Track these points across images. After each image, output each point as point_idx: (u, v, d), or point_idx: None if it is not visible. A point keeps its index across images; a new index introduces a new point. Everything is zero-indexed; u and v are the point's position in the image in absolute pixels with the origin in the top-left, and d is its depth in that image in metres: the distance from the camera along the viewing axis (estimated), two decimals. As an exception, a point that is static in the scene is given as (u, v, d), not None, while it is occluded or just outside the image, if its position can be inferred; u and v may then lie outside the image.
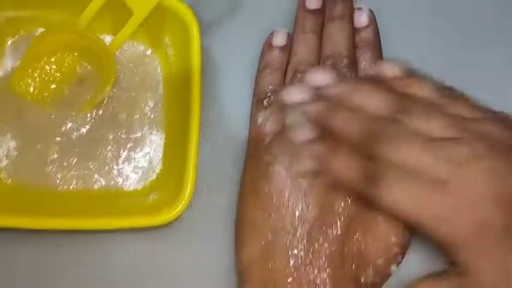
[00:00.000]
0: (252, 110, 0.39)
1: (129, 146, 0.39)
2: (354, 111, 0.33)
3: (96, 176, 0.39)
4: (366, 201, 0.33)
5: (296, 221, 0.35)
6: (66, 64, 0.39)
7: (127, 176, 0.39)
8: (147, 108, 0.40)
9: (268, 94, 0.38)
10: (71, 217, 0.37)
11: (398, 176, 0.31)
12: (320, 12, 0.39)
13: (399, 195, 0.31)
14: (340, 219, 0.34)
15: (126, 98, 0.40)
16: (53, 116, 0.39)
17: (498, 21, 0.42)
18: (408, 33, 0.41)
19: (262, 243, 0.35)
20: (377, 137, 0.32)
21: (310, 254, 0.34)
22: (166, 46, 0.40)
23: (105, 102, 0.39)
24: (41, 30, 0.39)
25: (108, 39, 0.40)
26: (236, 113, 0.40)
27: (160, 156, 0.39)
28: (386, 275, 0.34)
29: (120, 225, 0.37)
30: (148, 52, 0.40)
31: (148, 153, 0.39)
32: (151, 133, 0.39)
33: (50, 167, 0.38)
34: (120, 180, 0.39)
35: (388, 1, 0.41)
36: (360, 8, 0.39)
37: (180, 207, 0.36)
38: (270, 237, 0.35)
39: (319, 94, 0.34)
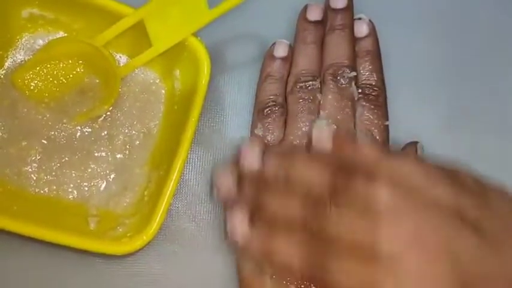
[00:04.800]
0: (253, 120, 0.39)
1: (111, 167, 0.39)
2: (289, 192, 0.31)
3: (72, 186, 0.38)
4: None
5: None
6: (74, 72, 0.40)
7: (101, 195, 0.38)
8: (140, 136, 0.39)
9: (269, 104, 0.39)
10: (36, 223, 0.35)
11: (344, 255, 0.29)
12: (321, 24, 0.40)
13: (347, 276, 0.29)
14: None
15: (122, 121, 0.40)
16: (45, 118, 0.39)
17: (498, 30, 0.43)
18: (408, 43, 0.42)
19: None
20: (316, 215, 0.30)
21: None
22: (175, 79, 0.40)
23: (101, 119, 0.39)
24: (60, 33, 0.40)
25: (122, 59, 0.41)
26: (237, 124, 0.40)
27: (139, 185, 0.38)
28: None
29: (85, 246, 0.35)
30: (157, 81, 0.40)
31: (129, 179, 0.39)
32: (136, 161, 0.39)
33: (28, 167, 0.38)
34: (94, 198, 0.38)
35: (388, 11, 0.42)
36: (360, 18, 0.40)
37: (141, 241, 0.35)
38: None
39: (248, 176, 0.33)
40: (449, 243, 0.28)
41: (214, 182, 0.35)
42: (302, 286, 0.33)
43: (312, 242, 0.30)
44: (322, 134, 0.33)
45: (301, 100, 0.38)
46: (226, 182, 0.34)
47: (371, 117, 0.38)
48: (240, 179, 0.34)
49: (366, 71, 0.39)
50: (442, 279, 0.28)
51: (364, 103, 0.38)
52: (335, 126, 0.35)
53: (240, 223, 0.33)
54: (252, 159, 0.34)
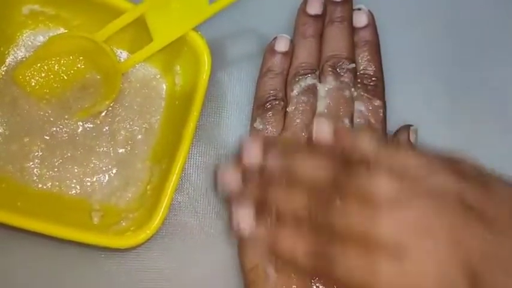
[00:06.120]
0: (253, 114, 0.39)
1: (113, 162, 0.39)
2: (293, 186, 0.32)
3: (74, 182, 0.38)
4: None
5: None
6: (75, 68, 0.40)
7: (104, 190, 0.38)
8: (142, 131, 0.40)
9: (270, 98, 0.39)
10: (40, 218, 0.35)
11: (348, 246, 0.29)
12: (320, 17, 0.40)
13: (352, 267, 0.29)
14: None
15: (124, 116, 0.40)
16: (47, 114, 0.39)
17: (498, 23, 0.43)
18: (406, 36, 0.42)
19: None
20: (321, 208, 0.30)
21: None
22: (175, 74, 0.40)
23: (103, 114, 0.39)
24: (61, 29, 0.40)
25: (123, 54, 0.41)
26: (237, 118, 0.40)
27: (141, 179, 0.39)
28: None
29: (89, 240, 0.36)
30: (158, 76, 0.41)
31: (131, 174, 0.39)
32: (137, 156, 0.39)
33: (31, 163, 0.38)
34: (97, 193, 0.38)
35: (386, 4, 0.42)
36: (359, 9, 0.40)
37: (145, 235, 0.35)
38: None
39: (252, 172, 0.33)
40: (454, 230, 0.28)
41: (219, 178, 0.35)
42: (308, 280, 0.33)
43: (317, 234, 0.30)
44: (323, 128, 0.34)
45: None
46: (231, 178, 0.35)
47: (369, 106, 0.38)
48: (244, 174, 0.34)
49: (364, 61, 0.39)
50: (448, 266, 0.28)
51: (362, 93, 0.39)
52: (334, 121, 0.35)
53: (245, 217, 0.33)
54: (254, 155, 0.34)
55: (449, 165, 0.30)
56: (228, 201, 0.36)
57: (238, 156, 0.35)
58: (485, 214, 0.28)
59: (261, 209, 0.33)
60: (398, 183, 0.30)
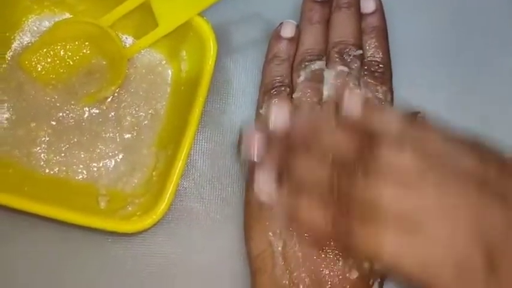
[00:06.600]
0: (258, 100, 0.39)
1: (119, 148, 0.39)
2: (316, 155, 0.32)
3: (81, 167, 0.38)
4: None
5: None
6: (81, 53, 0.40)
7: (110, 176, 0.38)
8: (148, 117, 0.40)
9: (276, 85, 0.39)
10: (47, 202, 0.36)
11: (370, 220, 0.29)
12: (327, 3, 0.40)
13: (374, 241, 0.29)
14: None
15: (130, 102, 0.40)
16: (53, 100, 0.39)
17: (505, 11, 0.43)
18: (414, 22, 0.42)
19: (270, 233, 0.35)
20: (342, 179, 0.30)
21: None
22: (181, 59, 0.40)
23: (109, 100, 0.40)
24: (66, 14, 0.40)
25: (128, 40, 0.41)
26: (243, 104, 0.40)
27: (147, 165, 0.39)
28: None
29: (96, 224, 0.36)
30: (163, 62, 0.40)
31: (137, 159, 0.39)
32: (143, 142, 0.39)
33: (38, 148, 0.38)
34: (103, 178, 0.38)
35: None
36: None
37: (151, 220, 0.36)
38: (278, 225, 0.35)
39: (277, 137, 0.33)
40: (476, 213, 0.28)
41: (243, 140, 0.34)
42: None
43: (337, 205, 0.30)
44: (354, 100, 0.33)
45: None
46: (255, 141, 0.34)
47: (376, 93, 0.38)
48: (269, 139, 0.34)
49: (371, 48, 0.39)
50: (467, 248, 0.28)
51: (369, 80, 0.38)
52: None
53: (267, 183, 0.33)
54: (281, 121, 0.34)
55: (474, 147, 0.31)
56: (249, 165, 0.36)
57: (263, 121, 0.35)
58: (506, 196, 0.29)
59: (283, 175, 0.33)
60: (422, 162, 0.30)
